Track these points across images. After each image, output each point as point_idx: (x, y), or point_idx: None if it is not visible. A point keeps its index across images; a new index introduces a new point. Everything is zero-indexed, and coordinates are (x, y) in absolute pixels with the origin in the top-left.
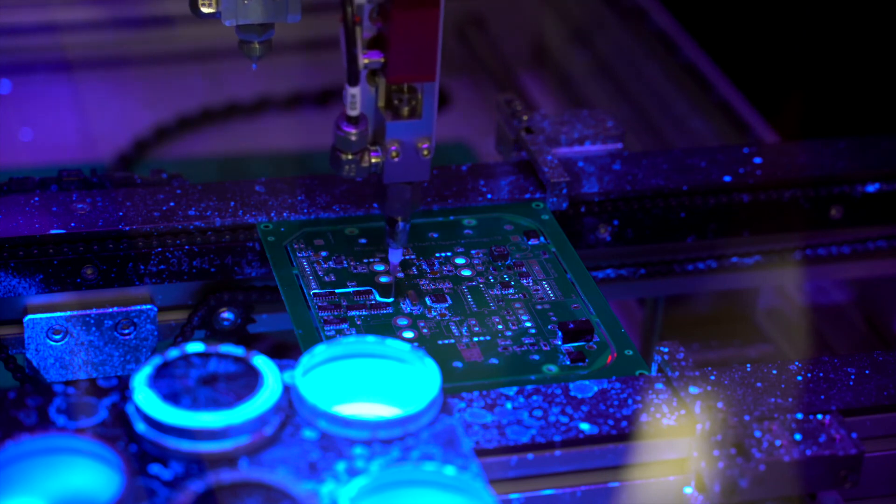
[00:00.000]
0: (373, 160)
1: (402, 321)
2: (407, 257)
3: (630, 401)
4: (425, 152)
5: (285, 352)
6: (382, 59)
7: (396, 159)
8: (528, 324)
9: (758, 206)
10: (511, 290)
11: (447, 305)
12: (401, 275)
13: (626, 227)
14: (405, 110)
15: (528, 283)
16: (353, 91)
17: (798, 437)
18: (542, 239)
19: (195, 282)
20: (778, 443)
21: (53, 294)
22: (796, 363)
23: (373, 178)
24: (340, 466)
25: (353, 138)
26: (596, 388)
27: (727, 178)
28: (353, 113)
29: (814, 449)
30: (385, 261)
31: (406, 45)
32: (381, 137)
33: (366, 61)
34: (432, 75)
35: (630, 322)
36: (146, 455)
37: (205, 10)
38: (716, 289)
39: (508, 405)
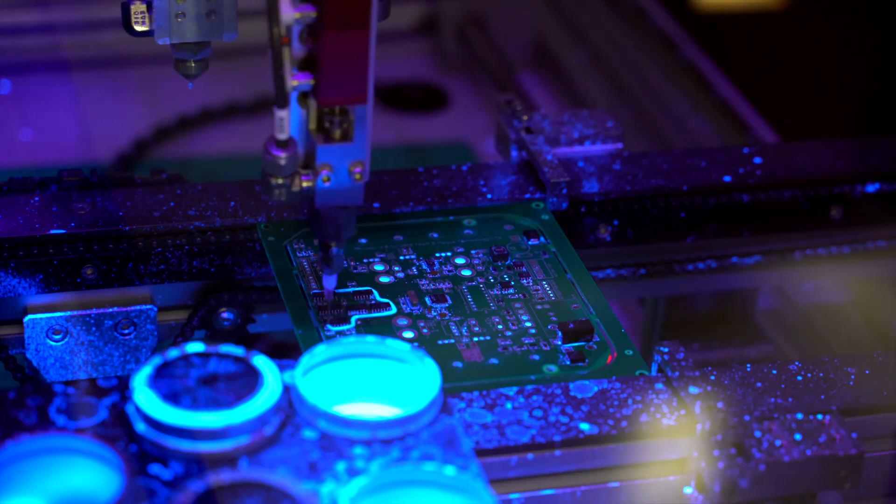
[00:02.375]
0: (303, 184)
1: (402, 321)
2: (407, 257)
3: (630, 401)
4: (357, 176)
5: (285, 352)
6: (313, 81)
7: (327, 184)
8: (528, 324)
9: (758, 206)
10: (511, 290)
11: (447, 305)
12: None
13: (626, 227)
14: (337, 133)
15: (528, 283)
16: (282, 114)
17: (798, 437)
18: (542, 239)
19: (195, 282)
20: (778, 443)
21: (53, 294)
22: (796, 363)
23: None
24: (340, 466)
25: (283, 162)
26: (596, 388)
27: (727, 178)
28: (282, 136)
29: (814, 449)
30: (385, 261)
31: (337, 67)
32: (312, 161)
33: (295, 83)
34: (364, 97)
35: (630, 322)
36: (146, 455)
37: (138, 27)
38: (716, 289)
39: (508, 405)
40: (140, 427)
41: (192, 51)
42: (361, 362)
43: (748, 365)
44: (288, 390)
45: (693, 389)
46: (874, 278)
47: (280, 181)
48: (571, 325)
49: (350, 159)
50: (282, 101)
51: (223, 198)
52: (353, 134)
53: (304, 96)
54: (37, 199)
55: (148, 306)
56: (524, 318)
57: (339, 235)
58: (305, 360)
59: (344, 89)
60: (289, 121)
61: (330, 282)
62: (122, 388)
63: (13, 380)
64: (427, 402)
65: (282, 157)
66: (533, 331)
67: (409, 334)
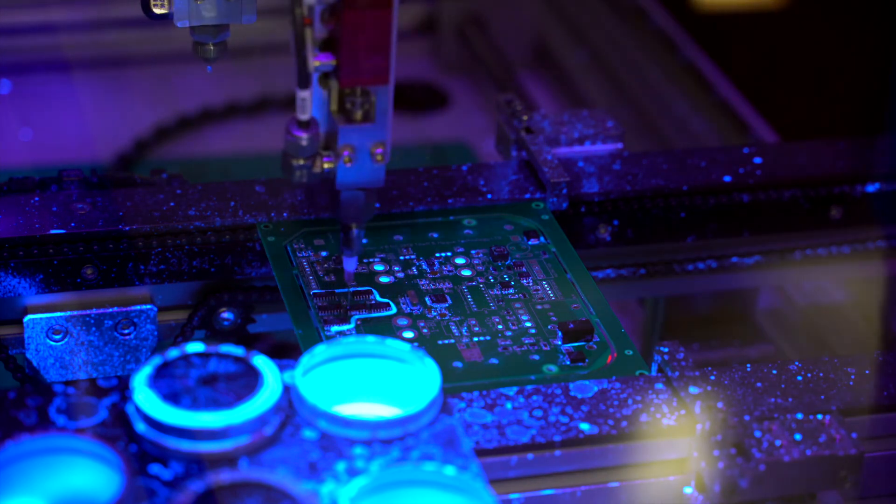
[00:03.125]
0: (325, 165)
1: (402, 321)
2: (407, 257)
3: (630, 401)
4: (379, 157)
5: (285, 352)
6: (335, 62)
7: (349, 164)
8: (528, 324)
9: (758, 206)
10: (511, 290)
11: (447, 305)
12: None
13: (626, 227)
14: (358, 114)
15: (528, 283)
16: (304, 95)
17: (798, 437)
18: (542, 239)
19: (195, 282)
20: (778, 443)
21: (53, 294)
22: (796, 363)
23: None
24: (340, 466)
25: (304, 143)
26: (596, 388)
27: (727, 178)
28: (304, 117)
29: (814, 449)
30: (385, 261)
31: (359, 48)
32: (333, 142)
33: (317, 64)
34: (386, 78)
35: (630, 322)
36: (146, 455)
37: (157, 10)
38: (716, 289)
39: (508, 405)
40: (140, 427)
41: (211, 34)
42: (361, 362)
43: (748, 365)
44: (288, 390)
45: (693, 389)
46: (874, 278)
47: (301, 162)
48: (571, 325)
49: (371, 140)
50: (304, 81)
51: (223, 198)
52: (374, 115)
53: (325, 77)
54: (37, 199)
55: (148, 306)
56: (524, 318)
57: (359, 217)
58: (305, 360)
59: (366, 70)
60: (310, 101)
61: (350, 264)
62: (122, 388)
63: (13, 380)
64: (427, 402)
65: (303, 137)
66: (533, 331)
67: (409, 334)
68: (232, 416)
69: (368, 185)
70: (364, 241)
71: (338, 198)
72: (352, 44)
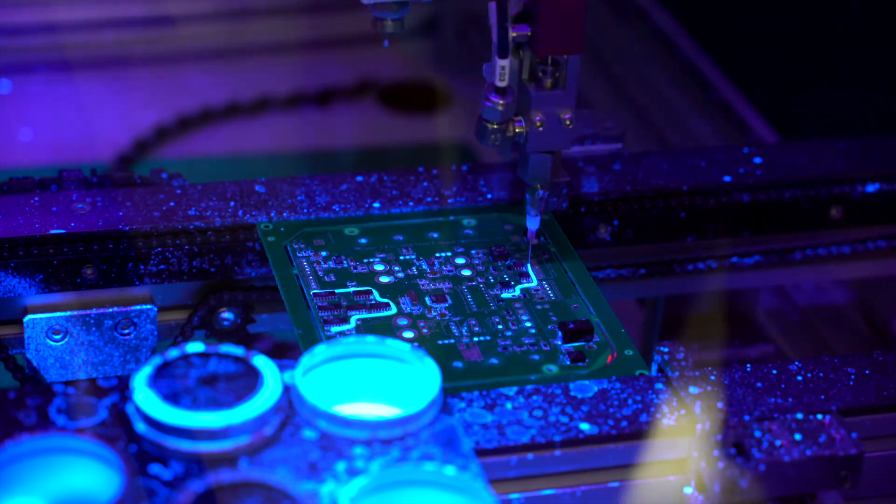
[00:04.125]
0: (517, 130)
1: (402, 321)
2: (407, 257)
3: (630, 401)
4: (567, 122)
5: (285, 352)
6: (529, 33)
7: (541, 129)
8: (528, 324)
9: (758, 206)
10: (511, 291)
11: (447, 305)
12: (541, 239)
13: (626, 227)
14: (549, 82)
15: (528, 282)
16: (503, 63)
17: (798, 437)
18: (542, 239)
19: (195, 282)
20: (778, 443)
21: (53, 294)
22: (796, 363)
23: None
24: (340, 466)
25: (500, 108)
26: (596, 388)
27: (727, 178)
28: (502, 84)
29: (814, 449)
30: (385, 261)
31: (555, 20)
32: (524, 108)
33: (514, 34)
34: (579, 48)
35: (630, 322)
36: (146, 455)
37: None
38: (716, 289)
39: (508, 405)
40: (140, 427)
41: (392, 10)
42: (361, 362)
43: (748, 365)
44: (288, 390)
45: (693, 389)
46: (874, 278)
47: (496, 126)
48: (571, 325)
49: (561, 106)
50: (503, 51)
51: (223, 198)
52: (564, 82)
53: (517, 47)
54: (37, 199)
55: (148, 306)
56: (524, 318)
57: (546, 178)
58: (305, 360)
59: (561, 41)
60: (509, 69)
61: (534, 223)
62: (122, 388)
63: (13, 380)
64: (427, 402)
65: (500, 102)
66: (533, 331)
67: (409, 334)
68: (232, 416)
69: (557, 149)
70: (362, 241)
71: (526, 161)
72: (549, 16)
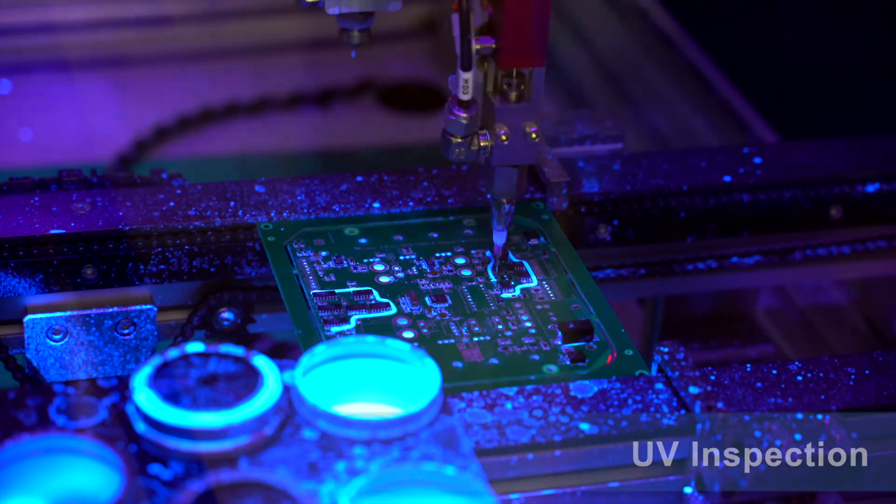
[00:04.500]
0: (482, 143)
1: (402, 321)
2: (407, 257)
3: (630, 401)
4: (533, 136)
5: (285, 352)
6: (494, 45)
7: (506, 142)
8: (528, 324)
9: (758, 206)
10: (511, 290)
11: (447, 305)
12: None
13: (626, 227)
14: (514, 94)
15: (528, 282)
16: (466, 76)
17: (798, 437)
18: (542, 239)
19: (195, 282)
20: (778, 443)
21: (53, 294)
22: (796, 363)
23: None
24: (340, 466)
25: (464, 122)
26: (596, 388)
27: (727, 178)
28: (466, 97)
29: (814, 449)
30: (385, 261)
31: (518, 32)
32: (488, 122)
33: (478, 47)
34: (542, 60)
35: (630, 322)
36: (146, 455)
37: None
38: (716, 289)
39: (508, 405)
40: (140, 427)
41: (358, 20)
42: (361, 362)
43: (748, 365)
44: (288, 390)
45: (693, 389)
46: (874, 278)
47: (460, 140)
48: (571, 325)
49: (526, 119)
50: (467, 63)
51: (223, 198)
52: (529, 94)
53: (481, 59)
54: (37, 199)
55: (148, 306)
56: (524, 318)
57: (512, 192)
58: (305, 360)
59: (525, 53)
60: (472, 82)
61: (500, 237)
62: (122, 388)
63: (13, 380)
64: (427, 402)
65: (464, 116)
66: (533, 331)
67: (409, 334)
68: (232, 416)
69: (522, 162)
70: (362, 241)
71: (491, 175)
72: (512, 28)
